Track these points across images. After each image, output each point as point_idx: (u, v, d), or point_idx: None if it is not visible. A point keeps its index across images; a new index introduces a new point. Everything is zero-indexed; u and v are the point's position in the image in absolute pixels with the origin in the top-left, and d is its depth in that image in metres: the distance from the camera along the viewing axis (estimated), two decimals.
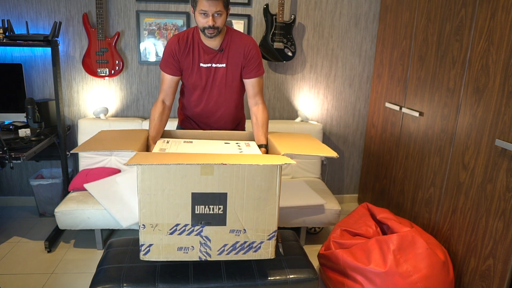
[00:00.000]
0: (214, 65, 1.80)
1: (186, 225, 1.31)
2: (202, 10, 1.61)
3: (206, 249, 1.34)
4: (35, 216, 2.84)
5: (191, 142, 1.67)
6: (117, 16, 2.74)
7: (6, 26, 2.46)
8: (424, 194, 2.28)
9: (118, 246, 1.66)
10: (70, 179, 2.75)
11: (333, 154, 1.43)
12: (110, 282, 1.41)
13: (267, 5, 2.73)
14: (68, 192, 2.56)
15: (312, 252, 2.48)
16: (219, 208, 1.30)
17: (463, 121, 1.93)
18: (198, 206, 1.29)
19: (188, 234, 1.32)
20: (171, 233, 1.31)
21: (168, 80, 1.82)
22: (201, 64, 1.80)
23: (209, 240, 1.33)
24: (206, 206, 1.30)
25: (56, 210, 2.26)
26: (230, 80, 1.84)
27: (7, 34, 2.38)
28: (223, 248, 1.35)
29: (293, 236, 1.80)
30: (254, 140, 1.78)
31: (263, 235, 1.35)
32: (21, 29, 2.67)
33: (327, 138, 3.15)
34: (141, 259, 1.34)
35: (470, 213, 1.88)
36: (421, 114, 2.31)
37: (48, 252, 2.37)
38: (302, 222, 2.42)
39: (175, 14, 2.76)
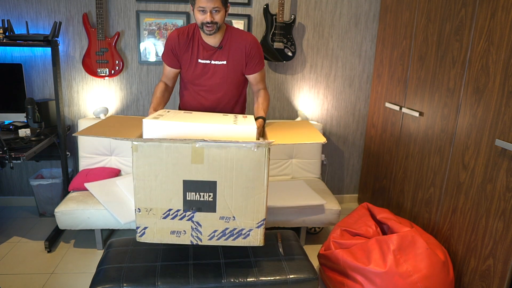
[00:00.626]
0: (213, 62, 1.82)
1: (178, 210, 1.38)
2: (200, 7, 1.63)
3: (197, 234, 1.41)
4: (35, 216, 2.84)
5: (191, 113, 1.68)
6: (117, 16, 2.74)
7: (6, 26, 2.46)
8: (424, 194, 2.28)
9: (118, 246, 1.66)
10: (70, 179, 2.75)
11: (321, 140, 1.47)
12: (110, 282, 1.41)
13: (267, 5, 2.73)
14: (68, 192, 2.56)
15: (312, 252, 2.48)
16: (209, 196, 1.37)
17: (463, 121, 1.93)
18: (189, 193, 1.36)
19: (180, 219, 1.39)
20: (164, 217, 1.39)
21: (168, 70, 1.91)
22: (199, 60, 1.82)
23: (200, 226, 1.40)
24: (197, 193, 1.36)
25: (56, 210, 2.26)
26: (232, 76, 1.86)
27: (7, 34, 2.38)
28: (213, 233, 1.41)
29: (293, 236, 1.80)
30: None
31: (252, 222, 1.40)
32: (21, 29, 2.67)
33: (327, 138, 3.15)
34: (137, 240, 1.42)
35: (470, 213, 1.88)
36: (421, 114, 2.31)
37: (48, 252, 2.37)
38: (302, 222, 2.42)
39: (175, 14, 2.76)
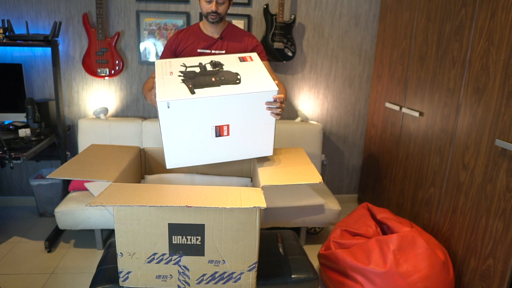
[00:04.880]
0: (213, 51, 1.90)
1: (163, 254, 1.30)
2: None
3: (184, 278, 1.33)
4: (35, 216, 2.84)
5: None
6: (117, 16, 2.74)
7: (6, 26, 2.46)
8: (424, 194, 2.28)
9: None
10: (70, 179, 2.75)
11: (316, 180, 1.37)
12: (110, 282, 1.41)
13: (267, 5, 2.73)
14: (68, 192, 2.56)
15: (312, 252, 2.48)
16: (197, 239, 1.29)
17: (463, 121, 1.93)
18: (175, 237, 1.28)
19: (166, 263, 1.31)
20: (149, 262, 1.31)
21: None
22: (198, 50, 1.89)
23: (188, 270, 1.32)
24: (184, 237, 1.28)
25: (56, 210, 2.26)
26: None
27: (7, 34, 2.39)
28: (202, 277, 1.33)
29: (293, 236, 1.80)
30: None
31: (243, 266, 1.32)
32: (21, 29, 2.67)
33: (327, 138, 3.15)
34: (120, 285, 1.34)
35: (470, 213, 1.88)
36: (421, 114, 2.31)
37: (48, 252, 2.37)
38: (302, 222, 2.42)
39: (175, 14, 2.76)
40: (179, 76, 1.47)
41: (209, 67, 1.53)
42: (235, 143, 1.50)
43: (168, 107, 1.35)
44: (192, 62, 1.55)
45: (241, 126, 1.46)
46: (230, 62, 1.57)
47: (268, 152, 1.57)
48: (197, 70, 1.51)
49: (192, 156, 1.49)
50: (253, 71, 1.52)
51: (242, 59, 1.59)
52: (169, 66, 1.53)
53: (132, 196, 1.23)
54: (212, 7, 1.78)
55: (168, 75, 1.47)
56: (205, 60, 1.58)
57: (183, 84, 1.41)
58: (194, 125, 1.41)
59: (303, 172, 1.46)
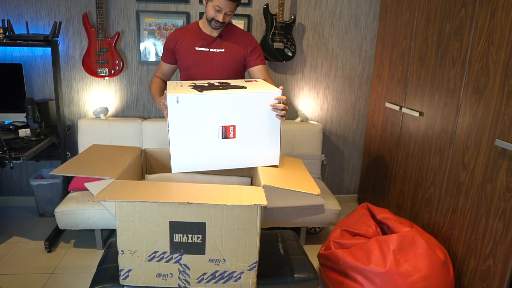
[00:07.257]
0: (211, 49, 1.91)
1: (164, 253, 1.31)
2: (218, 6, 1.75)
3: (185, 277, 1.34)
4: (35, 216, 2.84)
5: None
6: (117, 16, 2.74)
7: (6, 26, 2.46)
8: (424, 194, 2.28)
9: None
10: (70, 179, 2.75)
11: (315, 191, 1.38)
12: (110, 281, 1.41)
13: (267, 5, 2.73)
14: (68, 192, 2.56)
15: (312, 252, 2.48)
16: (198, 237, 1.30)
17: (463, 121, 1.93)
18: (176, 235, 1.29)
19: (167, 261, 1.32)
20: (149, 260, 1.32)
21: (164, 66, 2.03)
22: (196, 48, 1.90)
23: (188, 268, 1.33)
24: (185, 235, 1.29)
25: (56, 210, 2.26)
26: (229, 65, 1.92)
27: (7, 34, 2.39)
28: (202, 276, 1.34)
29: (293, 236, 1.80)
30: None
31: (243, 265, 1.33)
32: (21, 29, 2.67)
33: (327, 138, 3.15)
34: (121, 283, 1.35)
35: (470, 213, 1.88)
36: (421, 114, 2.32)
37: (48, 252, 2.37)
38: (302, 222, 2.42)
39: (175, 14, 2.76)
40: (189, 86, 1.58)
41: (216, 83, 1.64)
42: (241, 148, 1.53)
43: (177, 101, 1.41)
44: (201, 82, 1.66)
45: (247, 129, 1.50)
46: (236, 81, 1.69)
47: (275, 161, 1.60)
48: (206, 84, 1.61)
49: (198, 159, 1.51)
50: (258, 84, 1.64)
51: (248, 81, 1.71)
52: (179, 83, 1.64)
53: (134, 192, 1.24)
54: (219, 17, 1.78)
55: (179, 86, 1.58)
56: (214, 81, 1.70)
57: (193, 89, 1.51)
58: (202, 123, 1.46)
59: (303, 181, 1.48)
